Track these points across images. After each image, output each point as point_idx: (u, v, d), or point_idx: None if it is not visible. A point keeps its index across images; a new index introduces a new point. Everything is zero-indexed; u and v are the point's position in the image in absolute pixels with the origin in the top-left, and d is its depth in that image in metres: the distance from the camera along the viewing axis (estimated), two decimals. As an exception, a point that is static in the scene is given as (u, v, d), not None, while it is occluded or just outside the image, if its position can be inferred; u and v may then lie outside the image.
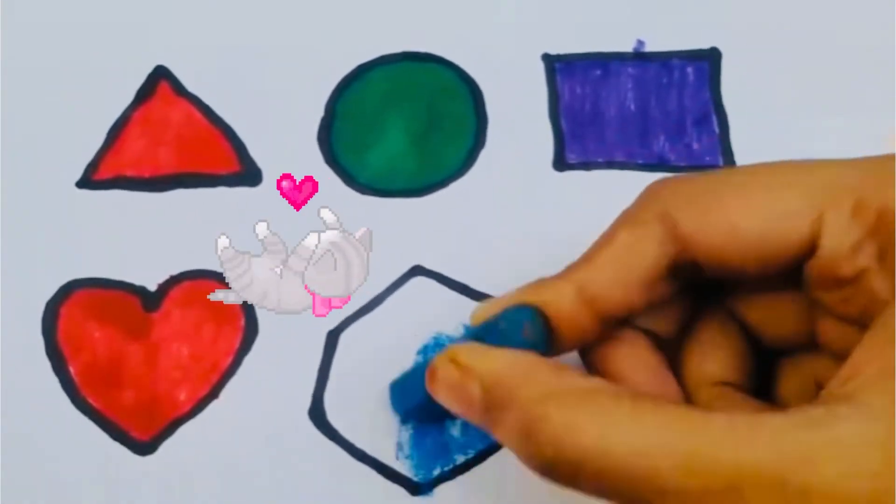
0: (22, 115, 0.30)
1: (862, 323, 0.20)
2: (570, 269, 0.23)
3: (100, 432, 0.27)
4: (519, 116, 0.31)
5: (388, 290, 0.28)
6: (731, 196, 0.21)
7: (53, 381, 0.27)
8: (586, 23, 0.33)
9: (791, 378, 0.24)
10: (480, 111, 0.31)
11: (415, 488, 0.26)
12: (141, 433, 0.27)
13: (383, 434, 0.27)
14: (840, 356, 0.21)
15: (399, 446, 0.27)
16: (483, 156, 0.30)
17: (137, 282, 0.29)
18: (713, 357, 0.24)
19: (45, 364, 0.27)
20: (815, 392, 0.23)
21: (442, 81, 0.31)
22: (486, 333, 0.23)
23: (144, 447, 0.27)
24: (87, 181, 0.30)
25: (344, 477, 0.27)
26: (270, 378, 0.28)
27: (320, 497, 0.26)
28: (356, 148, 0.30)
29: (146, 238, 0.29)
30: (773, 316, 0.24)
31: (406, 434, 0.27)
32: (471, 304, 0.28)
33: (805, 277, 0.22)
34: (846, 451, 0.17)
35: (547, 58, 0.32)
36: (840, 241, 0.20)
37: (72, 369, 0.27)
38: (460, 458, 0.27)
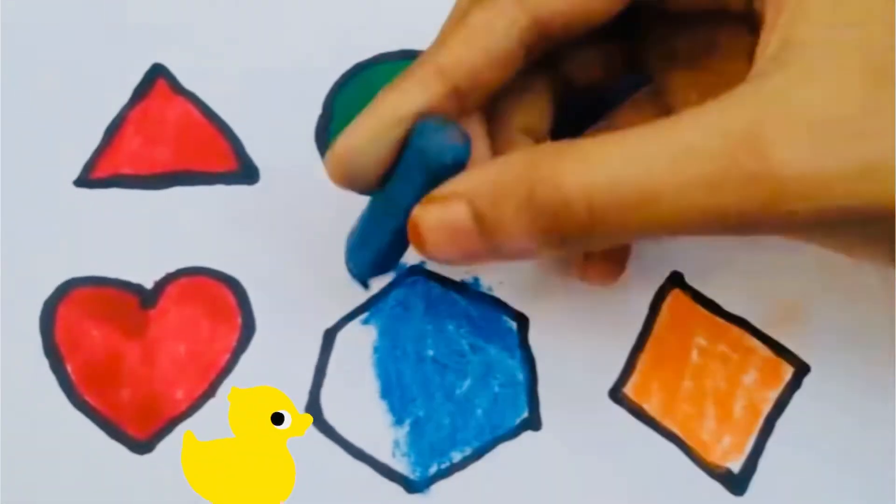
0: (19, 114, 0.30)
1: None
2: (428, 55, 0.23)
3: (97, 431, 0.27)
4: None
5: (385, 290, 0.28)
6: None
7: (51, 380, 0.27)
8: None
9: (679, 84, 0.26)
10: (477, 109, 0.31)
11: (411, 486, 0.27)
12: (138, 432, 0.27)
13: (380, 432, 0.27)
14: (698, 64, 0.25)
15: (395, 444, 0.27)
16: (480, 154, 0.30)
17: (134, 279, 0.29)
18: (526, 109, 0.25)
19: (43, 363, 0.28)
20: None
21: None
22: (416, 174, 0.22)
23: (142, 446, 0.27)
24: (85, 179, 0.30)
25: (340, 474, 0.27)
26: (267, 376, 0.28)
27: (317, 495, 0.26)
28: (353, 146, 0.30)
29: (143, 236, 0.29)
30: (601, 60, 0.26)
31: (403, 432, 0.27)
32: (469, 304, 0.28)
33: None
34: (792, 112, 0.18)
35: (544, 55, 0.32)
36: None
37: (69, 368, 0.27)
38: (457, 456, 0.27)
